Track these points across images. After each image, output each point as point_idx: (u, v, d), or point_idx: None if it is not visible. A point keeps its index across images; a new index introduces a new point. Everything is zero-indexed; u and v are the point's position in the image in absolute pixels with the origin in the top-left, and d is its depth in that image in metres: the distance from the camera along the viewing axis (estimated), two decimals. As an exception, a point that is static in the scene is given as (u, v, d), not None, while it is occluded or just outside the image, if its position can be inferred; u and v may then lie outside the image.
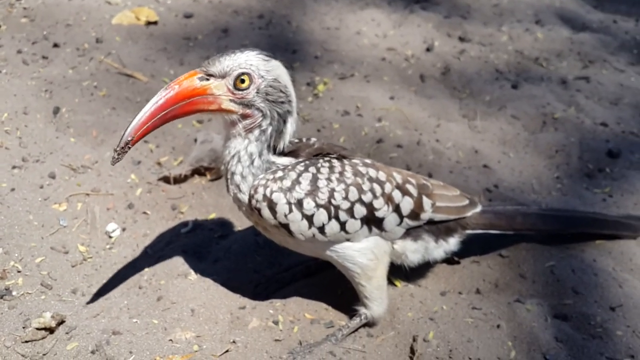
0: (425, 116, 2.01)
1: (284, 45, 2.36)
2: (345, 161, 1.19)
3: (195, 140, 1.79)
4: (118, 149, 1.02)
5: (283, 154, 1.21)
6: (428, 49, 2.38)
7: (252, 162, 1.13)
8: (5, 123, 1.79)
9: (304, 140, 1.29)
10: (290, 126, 1.15)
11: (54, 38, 2.26)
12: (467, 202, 1.32)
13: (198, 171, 1.70)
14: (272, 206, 1.11)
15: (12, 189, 1.55)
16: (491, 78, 2.23)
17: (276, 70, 1.09)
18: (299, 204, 1.11)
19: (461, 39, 2.48)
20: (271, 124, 1.11)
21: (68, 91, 1.96)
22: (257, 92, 1.07)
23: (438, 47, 2.41)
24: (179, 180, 1.67)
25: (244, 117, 1.09)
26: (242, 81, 1.06)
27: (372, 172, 1.19)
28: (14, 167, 1.63)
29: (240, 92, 1.06)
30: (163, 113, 1.04)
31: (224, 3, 2.61)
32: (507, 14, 2.71)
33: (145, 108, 1.04)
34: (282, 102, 1.10)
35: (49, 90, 1.96)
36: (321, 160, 1.17)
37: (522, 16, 2.69)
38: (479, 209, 1.34)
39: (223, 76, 1.06)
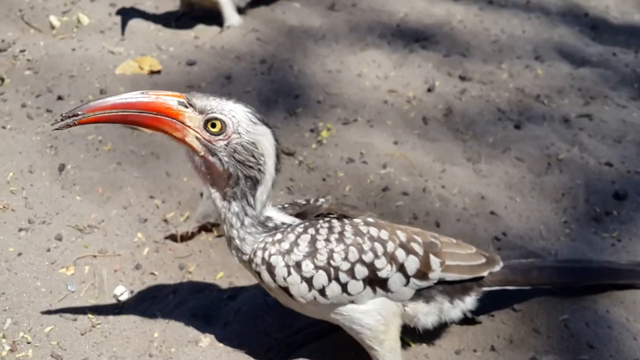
0: (430, 161, 2.01)
1: (287, 90, 2.38)
2: (346, 221, 1.18)
3: (201, 194, 1.80)
4: (64, 115, 0.99)
5: (289, 214, 1.21)
6: (429, 90, 2.40)
7: (242, 223, 1.12)
8: (11, 183, 1.80)
9: (312, 201, 1.29)
10: (261, 195, 1.11)
11: (58, 90, 2.28)
12: (483, 260, 1.30)
13: (205, 227, 1.70)
14: (270, 269, 1.11)
15: (19, 254, 1.55)
16: (494, 118, 2.24)
17: (259, 135, 1.06)
18: (298, 266, 1.10)
19: (462, 78, 2.49)
20: (238, 183, 1.08)
21: (73, 147, 1.97)
22: (225, 145, 1.04)
23: (439, 87, 2.42)
24: (185, 238, 1.66)
25: (206, 163, 1.07)
26: (214, 125, 1.03)
27: (374, 231, 1.17)
28: (20, 230, 1.63)
29: (208, 135, 1.04)
30: (127, 111, 1.02)
31: (226, 49, 2.63)
32: (506, 50, 2.73)
33: (113, 97, 1.01)
34: (250, 167, 1.06)
35: (54, 147, 1.97)
36: (321, 221, 1.16)
37: (522, 52, 2.70)
38: (498, 267, 1.32)
39: (201, 112, 1.04)
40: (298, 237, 1.12)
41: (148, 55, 2.52)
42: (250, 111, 1.06)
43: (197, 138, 1.04)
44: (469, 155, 2.04)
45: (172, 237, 1.66)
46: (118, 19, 2.81)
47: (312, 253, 1.11)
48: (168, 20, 2.84)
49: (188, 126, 1.03)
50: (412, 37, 2.83)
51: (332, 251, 1.11)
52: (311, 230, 1.13)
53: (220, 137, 1.04)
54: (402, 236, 1.20)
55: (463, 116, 2.24)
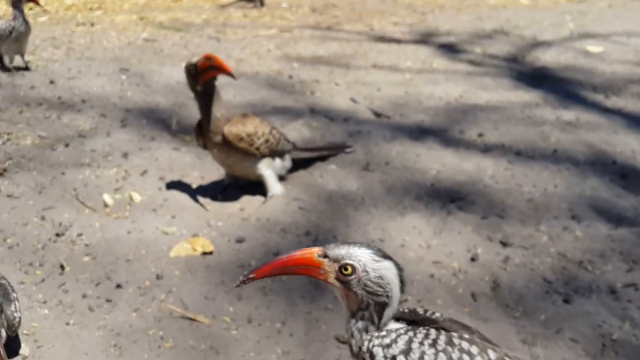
0: (485, 344, 2.03)
1: (334, 265, 2.45)
2: (443, 332, 1.33)
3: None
4: (243, 277, 1.35)
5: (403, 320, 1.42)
6: (473, 259, 2.46)
7: (363, 335, 1.35)
8: (80, 391, 1.84)
9: (429, 313, 1.45)
10: (387, 314, 1.35)
11: (116, 277, 2.38)
12: None
13: None
14: (372, 357, 1.30)
15: None
16: (541, 291, 2.27)
17: (383, 270, 1.30)
18: (393, 359, 1.28)
19: (503, 244, 2.56)
20: (368, 308, 1.32)
21: (136, 345, 2.03)
22: (357, 281, 1.29)
23: (482, 256, 2.49)
24: None
25: (345, 295, 1.33)
26: (346, 269, 1.29)
27: (465, 345, 1.30)
28: None
29: (343, 276, 1.30)
30: (286, 268, 1.35)
31: (272, 221, 2.76)
32: (542, 209, 2.82)
33: (273, 262, 1.34)
34: (379, 295, 1.31)
35: (118, 345, 2.03)
36: (421, 328, 1.34)
37: (558, 211, 2.79)
38: None
39: (335, 260, 1.30)
40: (398, 336, 1.30)
41: (199, 233, 2.65)
42: (373, 252, 1.32)
43: (336, 278, 1.31)
44: (523, 337, 2.06)
45: None
46: (168, 194, 2.99)
47: (407, 351, 1.28)
48: (214, 192, 3.01)
49: (327, 271, 1.31)
50: (447, 197, 2.95)
51: (423, 353, 1.27)
52: (410, 334, 1.31)
53: (353, 276, 1.29)
54: (493, 355, 1.30)
55: (511, 290, 2.28)
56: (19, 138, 3.47)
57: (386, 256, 1.33)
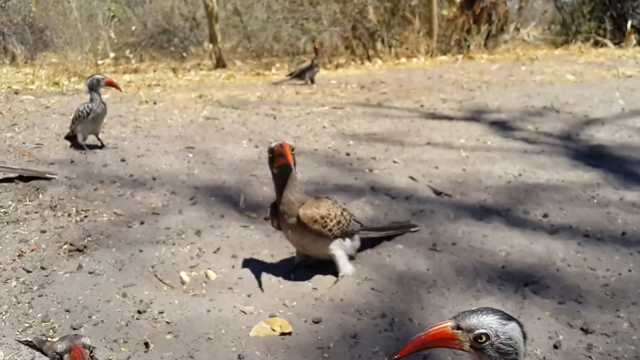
0: None
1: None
2: None
3: None
4: (387, 358, 1.50)
5: None
6: (555, 347, 2.42)
7: None
8: None
9: None
10: None
11: (199, 356, 2.43)
12: None
13: None
14: None
15: None
16: (632, 383, 2.22)
17: (511, 331, 1.43)
18: None
19: (584, 331, 2.52)
20: None
21: None
22: (491, 346, 1.41)
23: (564, 343, 2.45)
24: None
25: (480, 358, 1.45)
26: (480, 337, 1.41)
27: None
28: None
29: (477, 344, 1.41)
30: (424, 344, 1.46)
31: (345, 302, 2.79)
32: (619, 294, 2.77)
33: (413, 340, 1.44)
34: (510, 353, 1.44)
35: None
36: None
37: (636, 297, 2.74)
38: None
39: (469, 330, 1.41)
40: None
41: (276, 313, 2.69)
42: (499, 316, 1.43)
43: (470, 346, 1.44)
44: None
45: None
46: (242, 272, 3.06)
47: None
48: (286, 271, 3.07)
49: (463, 341, 1.44)
50: (520, 280, 2.94)
51: None
52: None
53: (487, 343, 1.42)
54: None
55: (599, 381, 2.23)
56: (96, 215, 3.64)
57: (510, 318, 1.45)
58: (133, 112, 6.40)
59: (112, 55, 11.37)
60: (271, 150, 2.76)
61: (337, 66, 11.83)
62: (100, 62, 11.15)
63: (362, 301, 2.80)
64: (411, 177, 4.41)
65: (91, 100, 4.69)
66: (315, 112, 6.68)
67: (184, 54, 15.32)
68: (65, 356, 1.74)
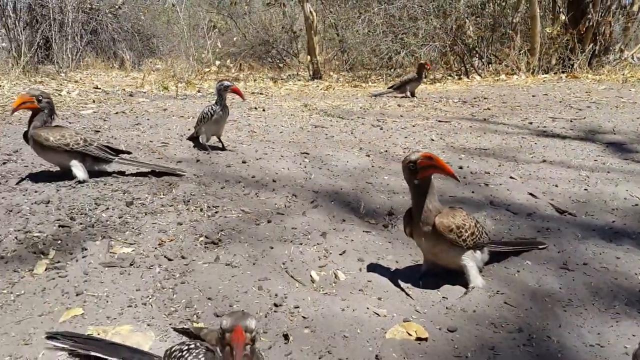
0: None
1: (555, 367, 2.41)
2: None
3: None
4: None
5: None
6: None
7: None
8: None
9: None
10: None
11: (337, 352, 2.49)
12: None
13: None
14: None
15: None
16: None
17: None
18: None
19: None
20: None
21: None
22: None
23: None
24: None
25: None
26: None
27: None
28: None
29: None
30: None
31: (479, 313, 2.77)
32: None
33: None
34: None
35: (356, 422, 2.11)
36: None
37: None
38: None
39: None
40: None
41: (409, 318, 2.72)
42: None
43: None
44: None
45: None
46: (369, 275, 3.12)
47: None
48: (413, 277, 3.10)
49: None
50: (662, 307, 2.81)
51: None
52: None
53: None
54: None
55: None
56: (225, 211, 3.82)
57: None
58: (245, 117, 6.68)
59: (217, 63, 11.90)
60: (413, 163, 2.80)
61: (435, 80, 11.77)
62: (206, 69, 11.71)
63: (496, 314, 2.77)
64: (531, 194, 4.32)
65: (216, 103, 4.95)
66: (420, 124, 6.68)
67: (281, 65, 15.78)
68: (227, 334, 1.85)
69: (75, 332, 2.44)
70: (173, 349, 2.12)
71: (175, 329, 2.49)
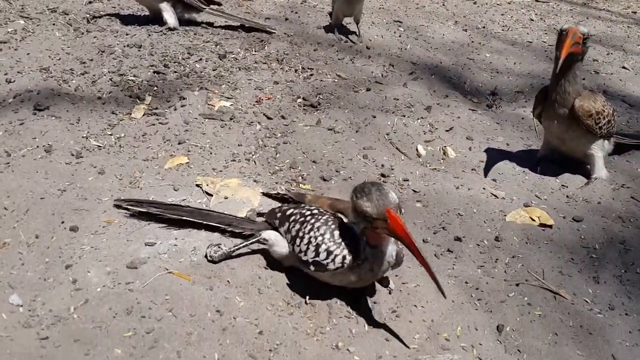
0: None
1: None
2: None
3: None
4: None
5: None
6: None
7: None
8: (461, 338, 1.85)
9: None
10: None
11: (452, 229, 2.36)
12: None
13: None
14: None
15: None
16: None
17: None
18: None
19: None
20: None
21: (506, 305, 1.99)
22: None
23: None
24: None
25: None
26: None
27: None
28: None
29: None
30: None
31: (604, 206, 2.59)
32: None
33: None
34: None
35: (483, 300, 2.01)
36: None
37: None
38: None
39: None
40: None
41: (529, 203, 2.55)
42: None
43: None
44: None
45: None
46: (480, 155, 2.92)
47: None
48: (528, 161, 2.88)
49: None
50: None
51: None
52: None
53: None
54: None
55: None
56: (321, 75, 3.59)
57: None
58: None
59: None
60: (565, 32, 2.45)
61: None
62: None
63: (623, 209, 2.57)
64: (649, 87, 3.93)
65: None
66: (517, 2, 6.09)
67: None
68: (379, 222, 1.63)
69: (139, 198, 2.22)
70: (290, 211, 2.00)
71: (266, 194, 2.36)
